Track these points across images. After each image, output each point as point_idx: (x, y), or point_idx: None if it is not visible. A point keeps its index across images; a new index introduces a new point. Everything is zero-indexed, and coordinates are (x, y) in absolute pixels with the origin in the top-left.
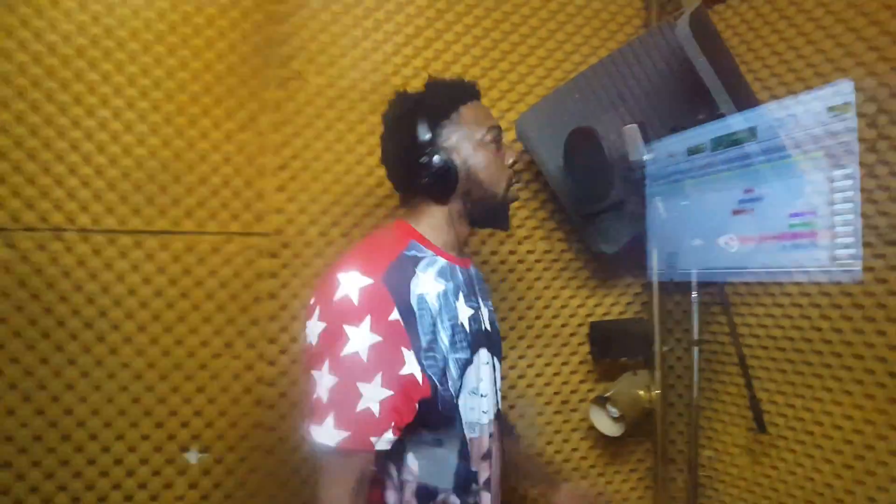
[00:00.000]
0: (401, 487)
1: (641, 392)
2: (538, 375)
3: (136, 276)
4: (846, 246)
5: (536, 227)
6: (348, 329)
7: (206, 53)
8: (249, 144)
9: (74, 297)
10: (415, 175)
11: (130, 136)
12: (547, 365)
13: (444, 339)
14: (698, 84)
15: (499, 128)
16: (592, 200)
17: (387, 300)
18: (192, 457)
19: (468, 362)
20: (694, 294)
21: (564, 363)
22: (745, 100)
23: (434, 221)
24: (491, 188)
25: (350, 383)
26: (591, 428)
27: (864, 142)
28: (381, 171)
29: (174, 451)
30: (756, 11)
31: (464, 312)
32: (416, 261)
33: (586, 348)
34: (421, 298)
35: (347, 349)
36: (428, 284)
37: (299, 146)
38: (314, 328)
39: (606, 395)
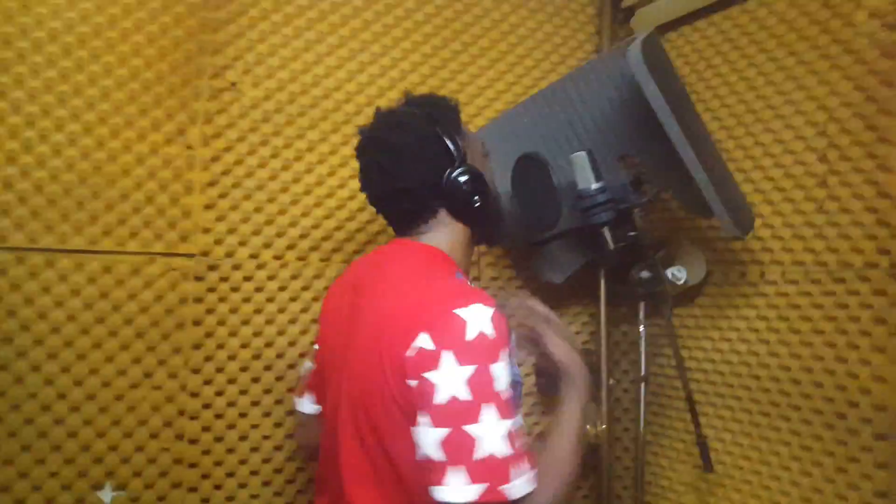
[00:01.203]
0: None
1: (588, 427)
2: None
3: (48, 298)
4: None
5: (483, 253)
6: (493, 368)
7: (134, 60)
8: (177, 158)
9: None
10: (441, 193)
11: (46, 147)
12: None
13: None
14: (649, 111)
15: None
16: (539, 229)
17: (505, 326)
18: (106, 495)
19: None
20: (641, 328)
21: None
22: (694, 129)
23: (457, 243)
24: (499, 200)
25: (517, 424)
26: None
27: (815, 176)
28: (321, 191)
29: (85, 489)
30: (708, 41)
31: None
32: None
33: (532, 379)
34: None
35: (500, 387)
36: None
37: (231, 161)
38: (456, 377)
39: None
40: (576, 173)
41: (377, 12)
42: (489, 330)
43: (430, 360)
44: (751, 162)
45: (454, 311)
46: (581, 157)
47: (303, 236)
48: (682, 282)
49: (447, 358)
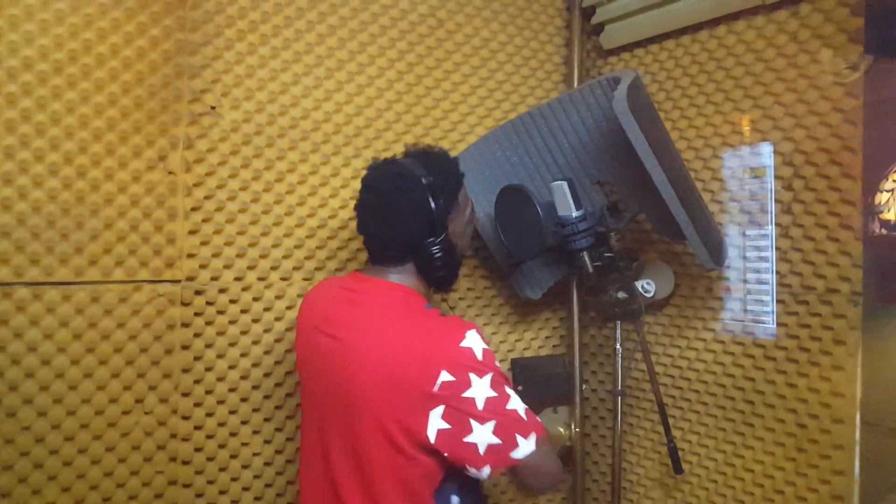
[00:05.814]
0: None
1: (561, 429)
2: None
3: (36, 331)
4: (760, 302)
5: (461, 265)
6: (499, 365)
7: (111, 86)
8: (159, 185)
9: None
10: (415, 253)
11: (26, 178)
12: None
13: None
14: (625, 142)
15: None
16: (520, 256)
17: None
18: None
19: None
20: (618, 346)
21: None
22: (674, 168)
23: (419, 282)
24: (462, 256)
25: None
26: None
27: (780, 203)
28: (303, 211)
29: None
30: (676, 61)
31: None
32: None
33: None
34: None
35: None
36: None
37: (213, 186)
38: (483, 385)
39: None
40: (556, 201)
41: (352, 30)
42: (485, 344)
43: (459, 385)
44: (718, 184)
45: (460, 345)
46: (562, 187)
47: (286, 257)
48: (650, 294)
49: (472, 377)
